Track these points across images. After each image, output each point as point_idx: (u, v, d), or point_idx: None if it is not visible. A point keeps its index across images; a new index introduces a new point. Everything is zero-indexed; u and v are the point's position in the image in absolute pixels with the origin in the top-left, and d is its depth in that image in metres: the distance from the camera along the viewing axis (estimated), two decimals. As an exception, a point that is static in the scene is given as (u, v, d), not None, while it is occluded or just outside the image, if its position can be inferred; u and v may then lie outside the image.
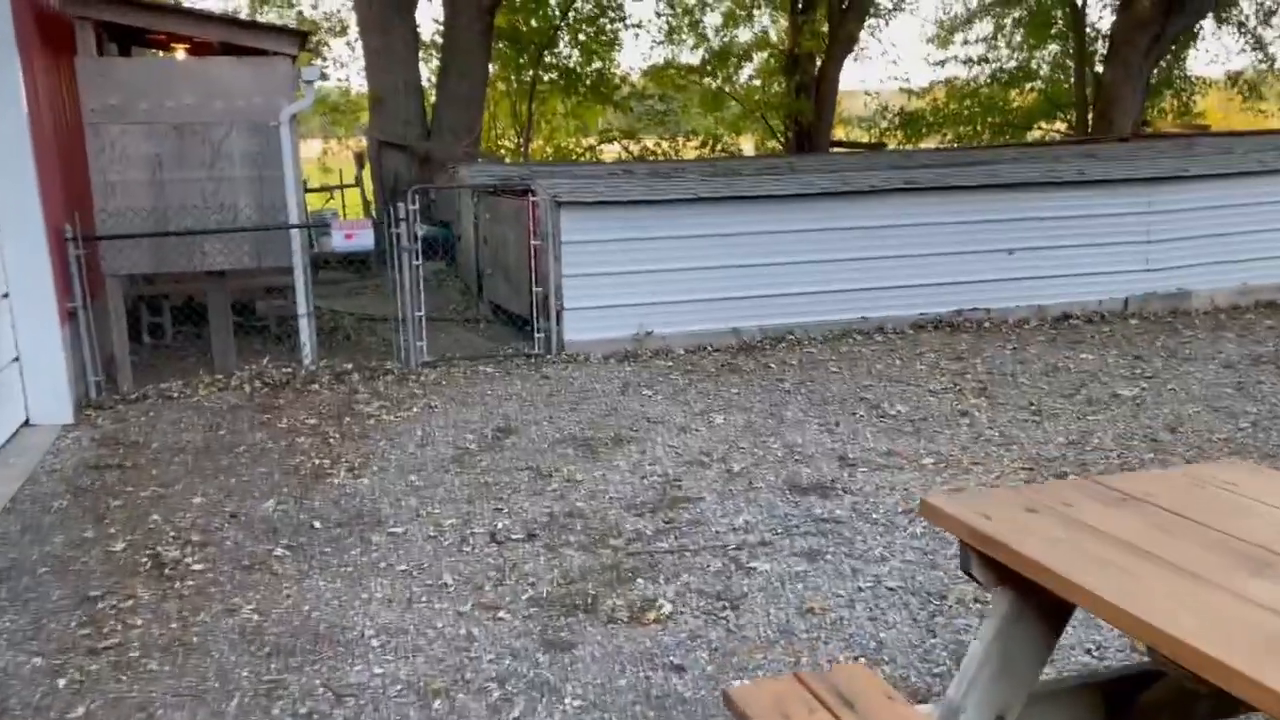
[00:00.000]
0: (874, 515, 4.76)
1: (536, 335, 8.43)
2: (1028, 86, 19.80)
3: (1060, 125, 19.62)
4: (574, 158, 18.80)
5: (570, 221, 8.29)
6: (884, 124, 20.75)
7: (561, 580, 4.18)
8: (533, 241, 8.47)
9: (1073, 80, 18.33)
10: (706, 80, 17.84)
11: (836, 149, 16.64)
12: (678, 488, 5.26)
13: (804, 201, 8.86)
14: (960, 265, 9.21)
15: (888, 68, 41.81)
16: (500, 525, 4.81)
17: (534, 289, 8.50)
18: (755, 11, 15.83)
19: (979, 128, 20.28)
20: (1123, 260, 9.55)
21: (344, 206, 15.73)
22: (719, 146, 17.36)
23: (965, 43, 22.50)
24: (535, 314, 8.53)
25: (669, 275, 8.55)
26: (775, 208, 8.80)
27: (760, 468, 5.52)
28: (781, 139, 17.15)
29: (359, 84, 20.40)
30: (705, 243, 8.62)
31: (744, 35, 17.73)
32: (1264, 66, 19.94)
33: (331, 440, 6.23)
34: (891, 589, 3.94)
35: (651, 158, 16.94)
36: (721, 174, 10.17)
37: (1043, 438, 5.88)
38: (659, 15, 16.64)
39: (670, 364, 8.02)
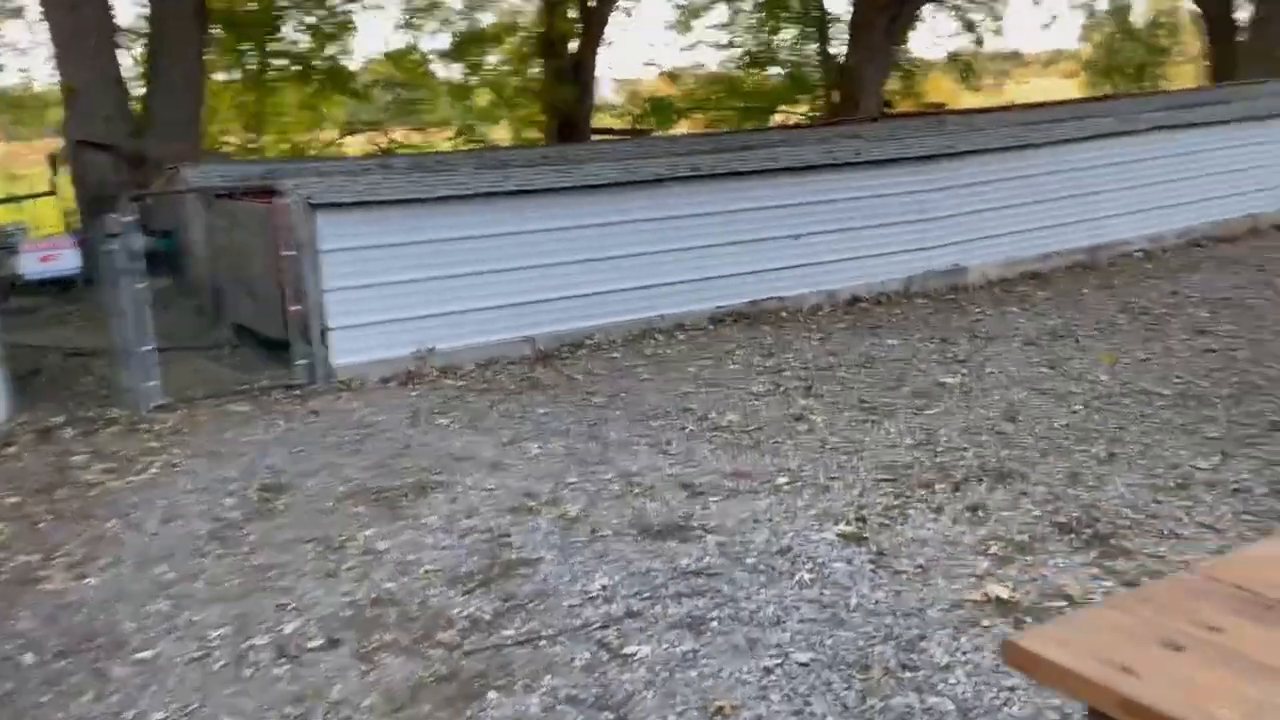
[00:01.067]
0: (747, 559, 4.08)
1: (298, 362, 7.18)
2: (771, 70, 20.11)
3: (804, 108, 20.07)
4: (311, 153, 17.10)
5: (329, 226, 7.10)
6: (636, 110, 20.46)
7: (386, 707, 3.19)
8: (284, 252, 7.20)
9: (818, 63, 18.73)
10: (454, 66, 16.76)
11: (599, 137, 16.07)
12: (508, 546, 4.36)
13: (590, 194, 8.11)
14: (752, 254, 8.79)
15: (643, 52, 40.89)
16: (289, 629, 3.72)
17: (289, 307, 7.23)
18: None
19: (727, 112, 20.40)
20: (902, 240, 9.50)
21: (38, 219, 13.37)
22: (472, 137, 16.28)
23: (707, 28, 22.53)
24: (294, 337, 7.27)
25: (450, 282, 7.55)
26: (561, 201, 7.99)
27: (599, 508, 4.71)
28: (541, 128, 16.35)
29: (48, 75, 17.61)
30: (489, 243, 7.68)
31: (489, 19, 16.79)
32: (975, 47, 21.35)
33: (41, 525, 4.83)
34: (804, 664, 3.26)
35: (402, 150, 15.63)
36: (492, 166, 9.24)
37: (888, 440, 5.45)
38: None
39: (462, 383, 7.04)
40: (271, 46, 15.45)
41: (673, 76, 21.00)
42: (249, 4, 15.65)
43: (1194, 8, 21.33)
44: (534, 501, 4.83)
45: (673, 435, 5.72)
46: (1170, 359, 6.68)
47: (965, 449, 5.23)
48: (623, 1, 16.94)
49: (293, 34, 16.31)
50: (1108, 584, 3.74)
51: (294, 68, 16.30)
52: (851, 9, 16.56)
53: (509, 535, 4.46)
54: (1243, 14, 19.94)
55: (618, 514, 4.62)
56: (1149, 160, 10.73)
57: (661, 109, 20.70)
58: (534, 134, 17.72)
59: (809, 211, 9.02)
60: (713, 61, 21.77)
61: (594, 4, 13.83)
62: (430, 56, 15.41)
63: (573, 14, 13.76)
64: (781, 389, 6.51)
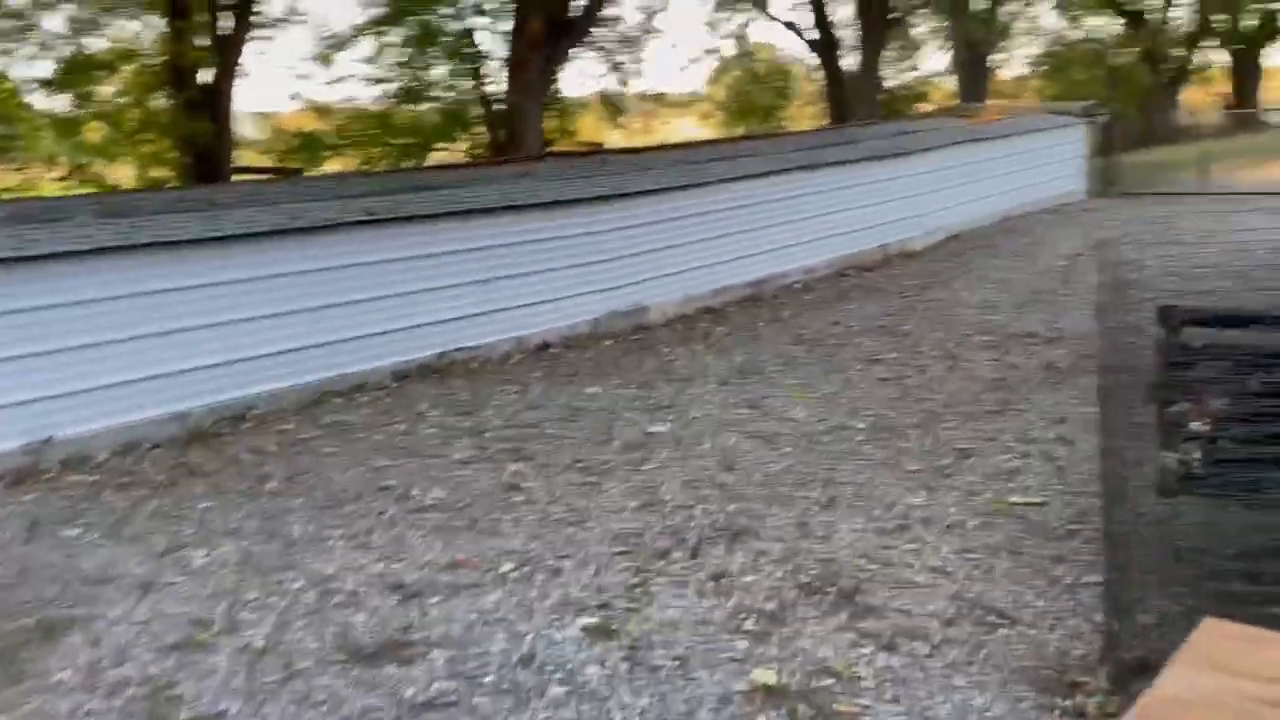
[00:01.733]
0: (485, 678, 3.49)
1: None
2: (427, 106, 19.45)
3: (464, 146, 19.60)
4: None
5: (-104, 296, 5.60)
6: (282, 147, 18.94)
7: None
8: None
9: (475, 100, 18.32)
10: (59, 97, 14.43)
11: (242, 176, 14.54)
12: (175, 700, 3.45)
13: (244, 244, 7.10)
14: (437, 302, 8.17)
15: (288, 85, 37.37)
16: None
17: None
18: (114, 15, 12.84)
19: (382, 150, 19.45)
20: (587, 281, 9.30)
21: None
22: (87, 177, 14.04)
23: (354, 61, 21.44)
24: None
25: (70, 355, 6.23)
26: (208, 253, 6.92)
27: (291, 630, 3.90)
28: (173, 166, 14.44)
29: None
30: (119, 305, 6.46)
31: (100, 44, 14.64)
32: (621, 88, 22.06)
33: None
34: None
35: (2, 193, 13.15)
36: (118, 213, 7.87)
37: (612, 504, 5.08)
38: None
39: (95, 478, 5.79)
40: None
41: (320, 111, 19.71)
42: None
43: (812, 57, 23.49)
44: (205, 631, 3.92)
45: (372, 523, 4.97)
46: (854, 391, 6.92)
47: (692, 506, 4.98)
48: (261, 30, 15.57)
49: None
50: (866, 650, 3.58)
51: None
52: (508, 47, 16.37)
53: (176, 684, 3.54)
54: (848, 62, 22.27)
55: (316, 635, 3.84)
56: (800, 196, 11.39)
57: (311, 145, 19.37)
58: (164, 172, 15.77)
59: (495, 255, 8.56)
60: (364, 96, 20.75)
61: (227, 31, 12.46)
62: (29, 85, 13.14)
63: (203, 41, 12.30)
64: (488, 453, 5.95)
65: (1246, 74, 32.31)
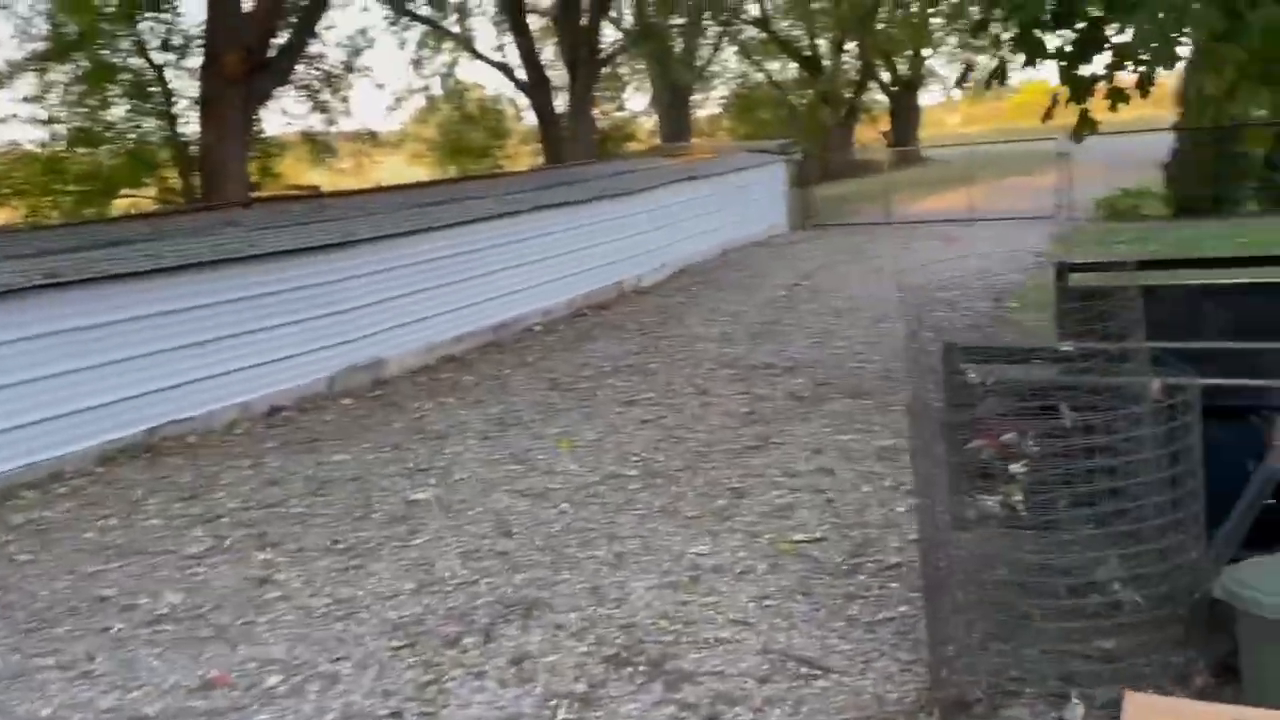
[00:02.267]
0: (271, 824, 2.96)
1: None
2: (105, 149, 17.48)
3: (152, 192, 17.81)
4: None
5: None
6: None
7: None
8: None
9: (162, 141, 16.65)
10: None
11: None
12: None
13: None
14: (144, 371, 7.23)
15: None
16: None
17: None
18: None
19: (53, 199, 17.27)
20: (318, 335, 8.63)
21: None
22: None
23: (15, 100, 18.98)
24: None
25: None
26: None
27: (5, 802, 3.15)
28: None
29: None
30: None
31: None
32: (327, 127, 21.03)
33: None
34: None
35: None
36: None
37: (383, 589, 4.60)
38: None
39: None
40: None
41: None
42: None
43: (523, 97, 23.58)
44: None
45: (93, 644, 4.19)
46: (618, 435, 6.81)
47: (475, 581, 4.61)
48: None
49: None
50: (692, 723, 3.40)
51: None
52: (200, 84, 15.07)
53: None
54: (559, 103, 22.56)
55: (42, 803, 3.13)
56: (533, 238, 11.25)
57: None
58: None
59: (213, 314, 7.73)
60: (26, 139, 18.41)
61: None
62: None
63: None
64: (226, 543, 5.25)
65: (905, 114, 36.17)
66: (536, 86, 22.05)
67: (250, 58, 14.08)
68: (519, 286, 11.00)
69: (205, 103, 14.64)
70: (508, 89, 25.15)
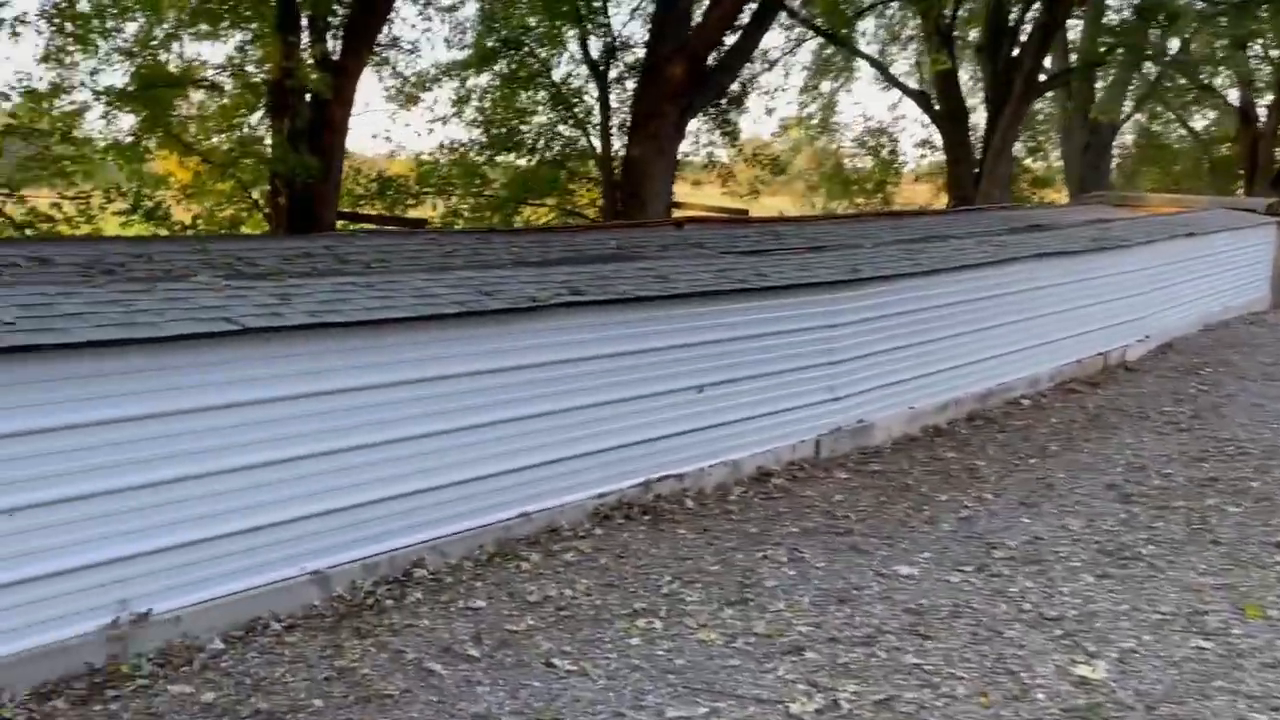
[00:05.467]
0: None
1: None
2: (522, 156, 17.54)
3: (580, 203, 17.57)
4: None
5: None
6: (360, 191, 17.08)
7: None
8: None
9: (597, 154, 16.22)
10: (121, 117, 12.50)
11: (366, 225, 12.53)
12: None
13: (438, 325, 5.02)
14: (645, 414, 6.09)
15: (387, 121, 33.98)
16: None
17: None
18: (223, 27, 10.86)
19: (474, 201, 17.52)
20: (809, 390, 7.22)
21: None
22: (157, 216, 12.03)
23: (435, 104, 19.67)
24: None
25: (167, 489, 4.14)
26: (387, 341, 4.86)
27: None
28: (262, 207, 12.41)
29: None
30: (227, 418, 4.37)
31: (197, 50, 12.80)
32: (734, 152, 20.12)
33: None
34: None
35: (49, 223, 11.13)
36: (245, 274, 5.83)
37: None
38: (46, 18, 10.91)
39: (212, 680, 3.66)
40: None
41: (421, 162, 17.76)
42: None
43: (919, 127, 21.65)
44: None
45: None
46: (1297, 599, 4.75)
47: None
48: (375, 55, 13.67)
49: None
50: None
51: None
52: (634, 95, 14.52)
53: None
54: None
55: None
56: (1025, 291, 9.31)
57: (389, 191, 17.44)
58: (231, 212, 13.78)
59: (709, 354, 6.49)
60: (446, 141, 18.91)
61: (351, 45, 10.42)
62: (98, 99, 11.11)
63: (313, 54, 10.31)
64: (837, 706, 3.77)
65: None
66: (952, 119, 20.06)
67: (693, 69, 13.31)
68: (1007, 348, 9.12)
69: (638, 115, 14.05)
70: (886, 119, 23.34)
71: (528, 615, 4.46)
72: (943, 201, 24.15)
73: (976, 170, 19.70)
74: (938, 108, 20.35)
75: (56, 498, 3.82)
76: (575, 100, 17.13)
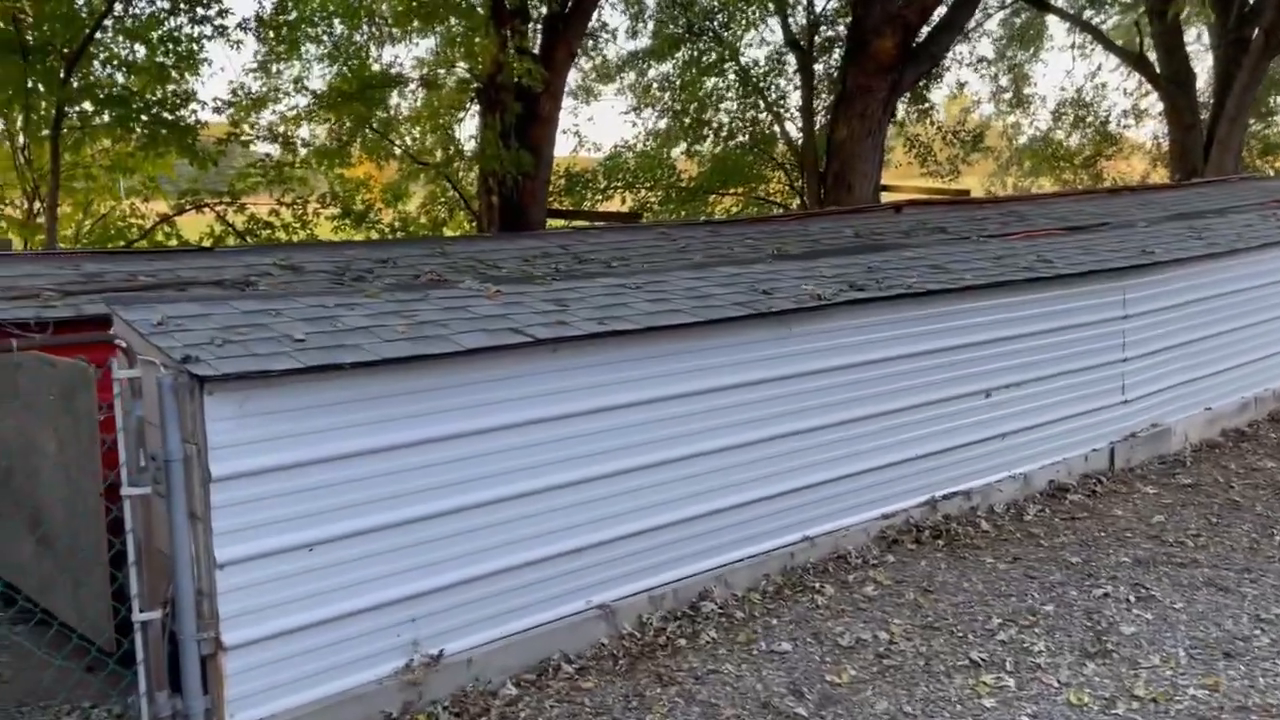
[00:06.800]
0: None
1: (152, 708, 3.21)
2: (713, 144, 16.96)
3: (774, 188, 16.92)
4: (130, 233, 12.53)
5: (238, 424, 3.22)
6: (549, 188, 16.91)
7: None
8: (125, 481, 3.27)
9: (800, 137, 15.48)
10: (326, 122, 12.63)
11: (585, 221, 12.31)
12: None
13: (714, 332, 4.51)
14: (930, 424, 5.40)
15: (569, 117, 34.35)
16: None
17: (135, 595, 3.28)
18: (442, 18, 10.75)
19: (664, 192, 17.10)
20: (1100, 392, 6.35)
21: None
22: (367, 213, 12.16)
23: (624, 92, 19.28)
24: (146, 657, 3.30)
25: (473, 515, 3.77)
26: (621, 354, 4.37)
27: None
28: (471, 205, 12.33)
29: None
30: (543, 433, 3.96)
31: (413, 51, 12.88)
32: (933, 130, 18.97)
33: None
34: None
35: (269, 229, 11.37)
36: (506, 278, 5.49)
37: None
38: (264, 23, 11.08)
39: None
40: (73, 81, 10.91)
41: (613, 154, 17.48)
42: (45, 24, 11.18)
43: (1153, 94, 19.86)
44: None
45: None
46: None
47: None
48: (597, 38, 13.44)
49: (109, 68, 11.92)
50: None
51: (104, 113, 11.64)
52: (839, 73, 13.72)
53: None
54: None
55: None
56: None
57: (577, 185, 17.22)
58: (449, 211, 13.76)
59: (996, 353, 5.73)
60: (631, 132, 18.60)
61: (560, 37, 10.10)
62: (313, 103, 11.20)
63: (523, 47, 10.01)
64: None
65: None
66: (1176, 82, 18.25)
67: (905, 40, 12.41)
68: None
69: (843, 92, 13.24)
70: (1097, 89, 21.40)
71: (845, 663, 3.88)
72: (1159, 175, 22.14)
73: (1205, 138, 17.89)
74: (1160, 70, 18.57)
75: (350, 531, 3.49)
76: (764, 85, 16.43)
